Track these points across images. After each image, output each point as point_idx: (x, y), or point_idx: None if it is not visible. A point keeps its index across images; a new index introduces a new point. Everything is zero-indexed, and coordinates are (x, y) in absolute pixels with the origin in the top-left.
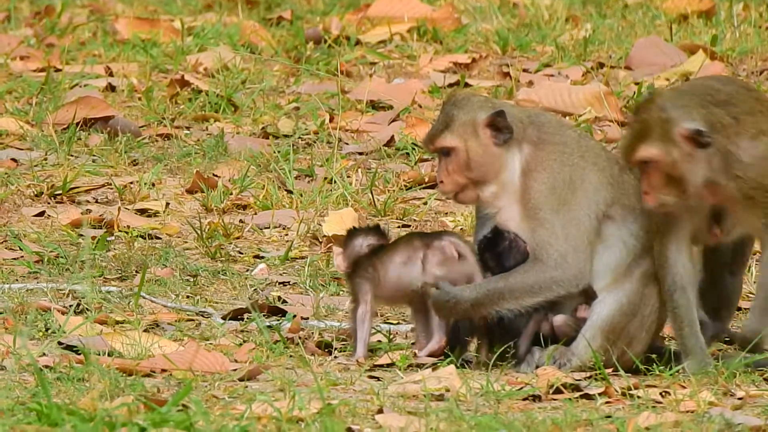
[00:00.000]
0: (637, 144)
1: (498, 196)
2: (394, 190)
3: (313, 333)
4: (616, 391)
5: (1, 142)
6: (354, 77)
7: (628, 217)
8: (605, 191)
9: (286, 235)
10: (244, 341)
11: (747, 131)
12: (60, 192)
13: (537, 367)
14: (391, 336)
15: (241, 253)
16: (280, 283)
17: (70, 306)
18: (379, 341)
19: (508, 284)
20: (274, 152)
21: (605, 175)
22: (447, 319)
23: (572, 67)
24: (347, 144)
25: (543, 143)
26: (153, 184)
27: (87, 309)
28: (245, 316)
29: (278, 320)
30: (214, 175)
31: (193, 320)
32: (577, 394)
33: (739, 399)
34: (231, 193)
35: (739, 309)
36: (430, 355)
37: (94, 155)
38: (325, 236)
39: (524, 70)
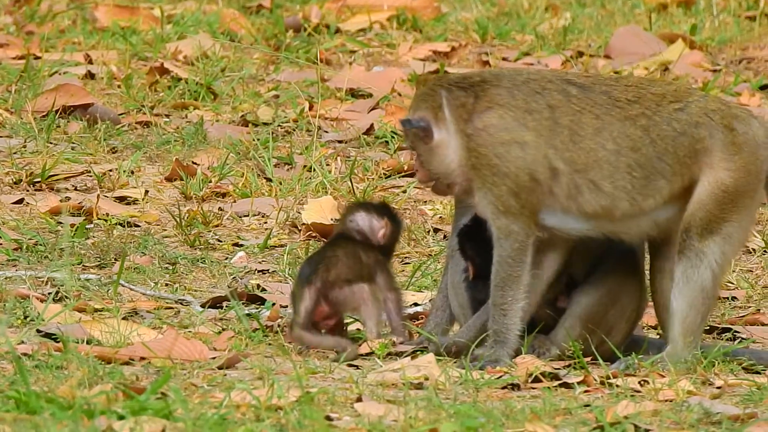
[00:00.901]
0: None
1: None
2: (373, 179)
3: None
4: (595, 380)
5: None
6: (333, 65)
7: None
8: None
9: (265, 223)
10: (223, 329)
11: (482, 105)
12: (39, 179)
13: (516, 355)
14: None
15: (220, 241)
16: (259, 271)
17: (49, 294)
18: (358, 329)
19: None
20: (254, 140)
21: None
22: (458, 357)
23: (552, 55)
24: (326, 132)
25: None
26: (132, 172)
27: (66, 297)
28: (224, 304)
29: (257, 308)
30: (193, 162)
31: (171, 308)
32: (556, 383)
33: (718, 388)
34: (210, 181)
35: None
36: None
37: (73, 143)
38: (304, 224)
39: (504, 59)
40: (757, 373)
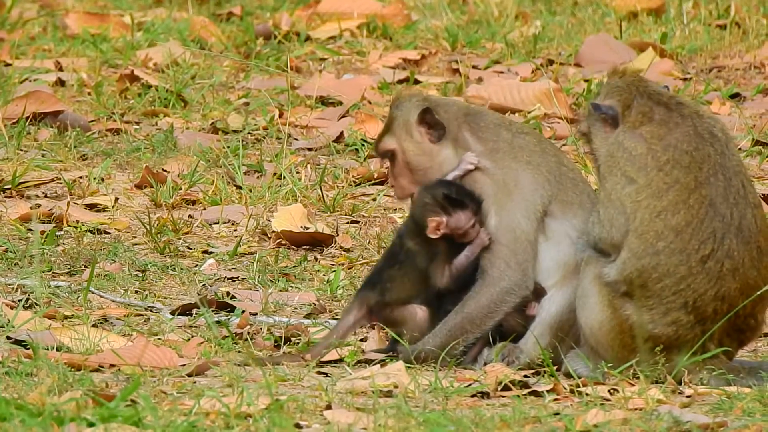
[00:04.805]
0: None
1: None
2: (343, 186)
3: (261, 328)
4: (565, 389)
5: None
6: (304, 73)
7: (568, 212)
8: (542, 190)
9: (235, 230)
10: (193, 336)
11: (656, 129)
12: (9, 186)
13: (485, 364)
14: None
15: (190, 249)
16: (228, 279)
17: (19, 300)
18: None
19: (465, 315)
20: (224, 148)
21: (540, 172)
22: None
23: (522, 63)
24: (296, 140)
25: (476, 143)
26: (102, 179)
27: (36, 304)
28: (194, 311)
29: (227, 316)
30: (163, 170)
31: (141, 315)
32: (526, 391)
33: (688, 397)
34: (180, 189)
35: None
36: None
37: (43, 150)
38: (273, 232)
39: (474, 67)
40: (727, 382)
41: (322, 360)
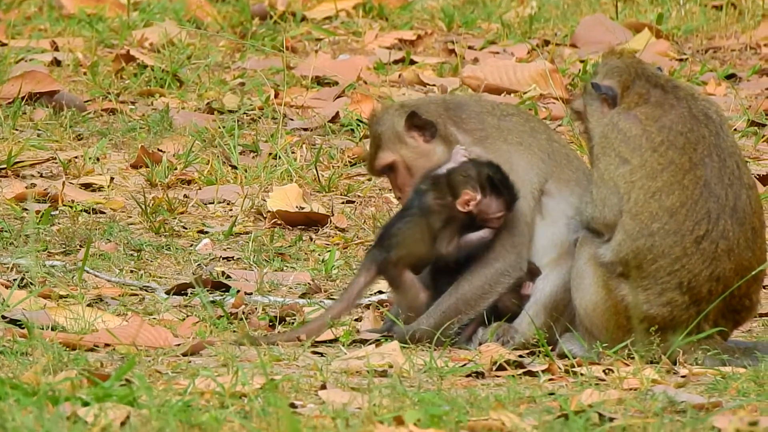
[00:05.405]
0: None
1: None
2: (338, 166)
3: (256, 308)
4: (560, 369)
5: None
6: (299, 53)
7: (564, 190)
8: (536, 169)
9: (231, 210)
10: (188, 316)
11: (649, 110)
12: (5, 166)
13: (480, 344)
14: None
15: (185, 228)
16: (224, 258)
17: (14, 280)
18: None
19: (459, 296)
20: (219, 128)
21: (533, 152)
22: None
23: (518, 44)
24: (292, 120)
25: (463, 135)
26: (98, 159)
27: (31, 283)
28: (189, 291)
29: (222, 295)
30: (158, 150)
31: (136, 295)
32: (521, 371)
33: (683, 377)
34: (175, 168)
35: None
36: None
37: (39, 129)
38: (269, 212)
39: (469, 47)
40: (722, 362)
41: (317, 340)
